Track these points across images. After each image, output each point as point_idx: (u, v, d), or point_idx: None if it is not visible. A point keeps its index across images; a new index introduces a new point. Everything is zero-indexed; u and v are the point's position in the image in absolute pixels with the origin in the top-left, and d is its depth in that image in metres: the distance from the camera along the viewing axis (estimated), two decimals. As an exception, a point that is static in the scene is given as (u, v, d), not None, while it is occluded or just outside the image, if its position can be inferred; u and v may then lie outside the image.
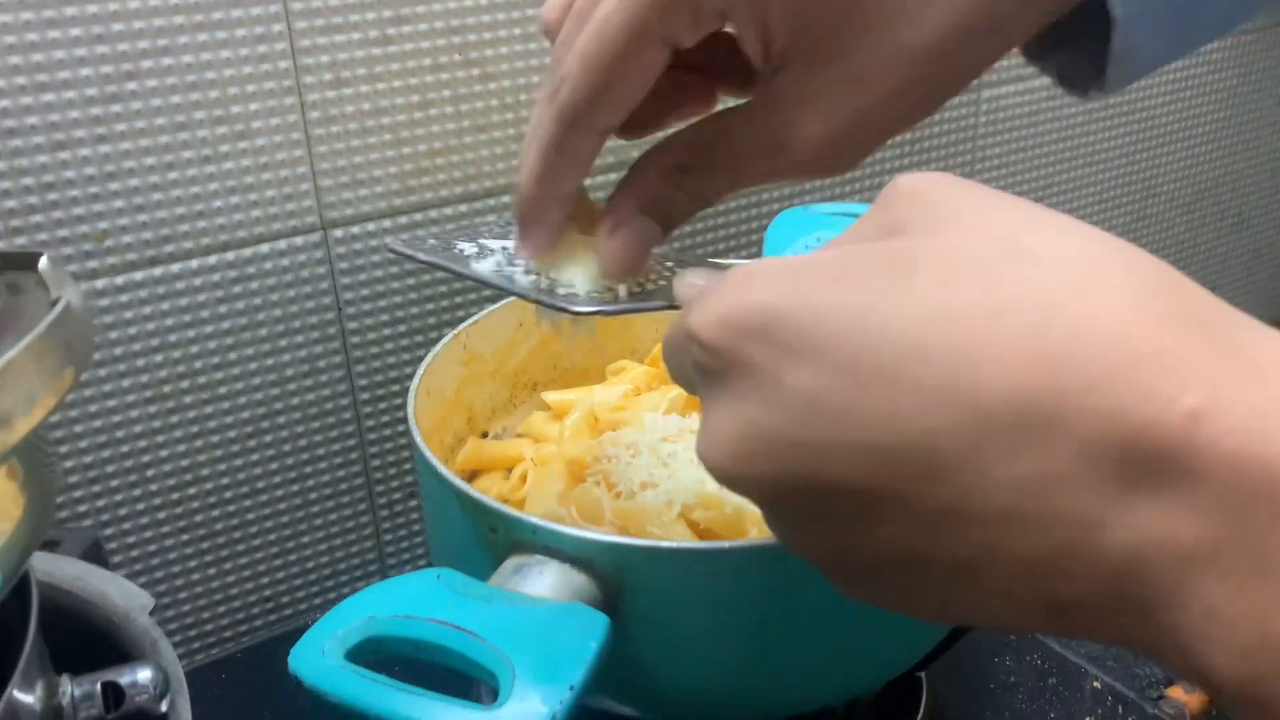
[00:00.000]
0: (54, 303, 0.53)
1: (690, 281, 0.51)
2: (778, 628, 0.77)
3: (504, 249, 0.64)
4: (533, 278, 0.62)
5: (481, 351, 0.99)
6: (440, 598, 0.69)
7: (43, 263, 0.62)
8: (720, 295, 0.39)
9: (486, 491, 1.05)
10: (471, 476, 1.09)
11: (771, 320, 0.37)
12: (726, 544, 0.74)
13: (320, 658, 0.65)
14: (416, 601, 0.69)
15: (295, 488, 1.15)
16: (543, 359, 1.08)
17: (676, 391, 1.07)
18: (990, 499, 0.33)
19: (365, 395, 1.11)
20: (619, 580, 0.73)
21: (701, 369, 0.40)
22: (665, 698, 0.81)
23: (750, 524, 0.89)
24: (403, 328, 1.11)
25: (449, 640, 0.66)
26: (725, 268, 0.50)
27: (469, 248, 0.65)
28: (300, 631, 0.68)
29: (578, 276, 0.60)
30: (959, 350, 0.32)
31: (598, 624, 0.67)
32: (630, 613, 0.74)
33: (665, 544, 0.73)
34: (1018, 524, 0.32)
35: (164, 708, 0.65)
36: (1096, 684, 1.03)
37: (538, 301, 0.61)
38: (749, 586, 0.74)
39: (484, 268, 0.63)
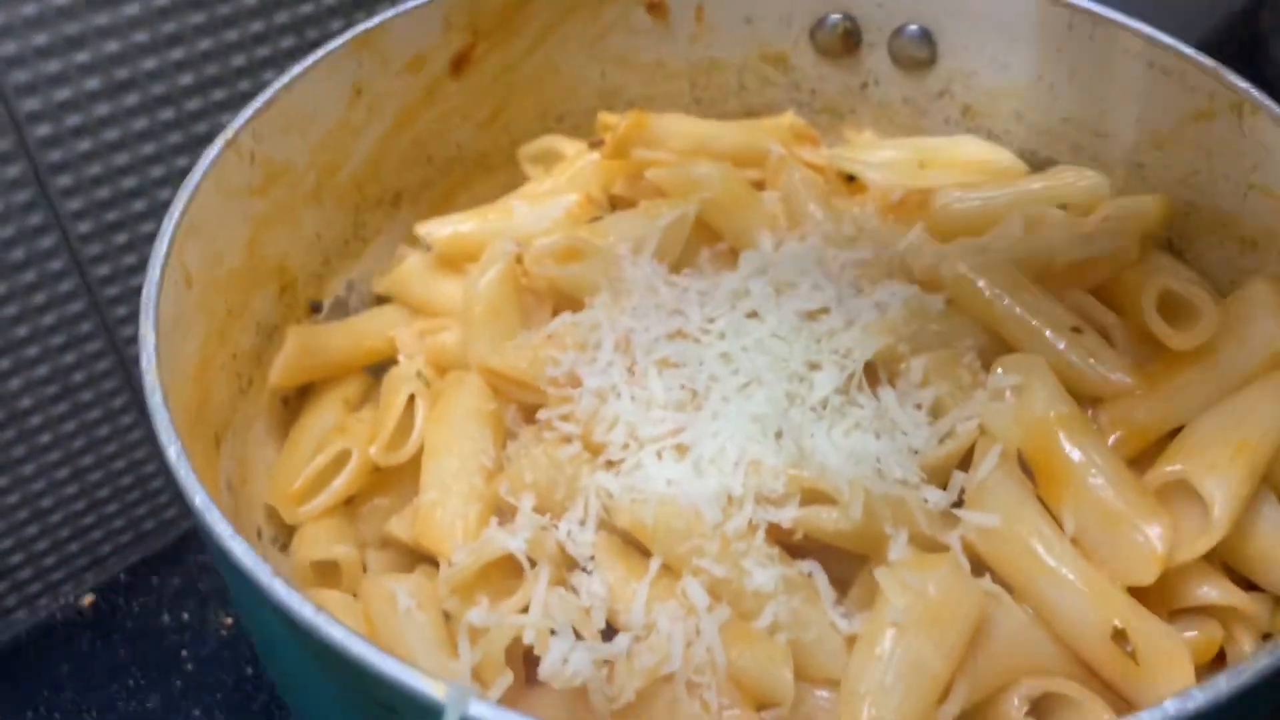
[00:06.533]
0: None
1: None
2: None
3: None
4: None
5: (286, 159, 0.59)
6: None
7: None
8: None
9: (331, 425, 0.57)
10: (303, 395, 0.59)
11: None
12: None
13: None
14: None
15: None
16: (407, 145, 0.66)
17: (674, 212, 0.57)
18: None
19: (110, 291, 0.59)
20: None
21: None
22: None
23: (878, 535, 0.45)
24: (124, 156, 0.58)
25: None
26: None
27: None
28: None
29: None
30: None
31: None
32: None
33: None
34: None
35: None
36: None
37: None
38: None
39: None
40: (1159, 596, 0.45)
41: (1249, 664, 0.35)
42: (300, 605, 0.34)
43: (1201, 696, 0.34)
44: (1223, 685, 0.34)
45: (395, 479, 0.53)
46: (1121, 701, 0.44)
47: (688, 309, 0.52)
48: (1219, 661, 0.48)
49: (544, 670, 0.41)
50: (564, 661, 0.41)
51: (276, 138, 0.56)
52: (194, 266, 0.50)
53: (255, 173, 0.55)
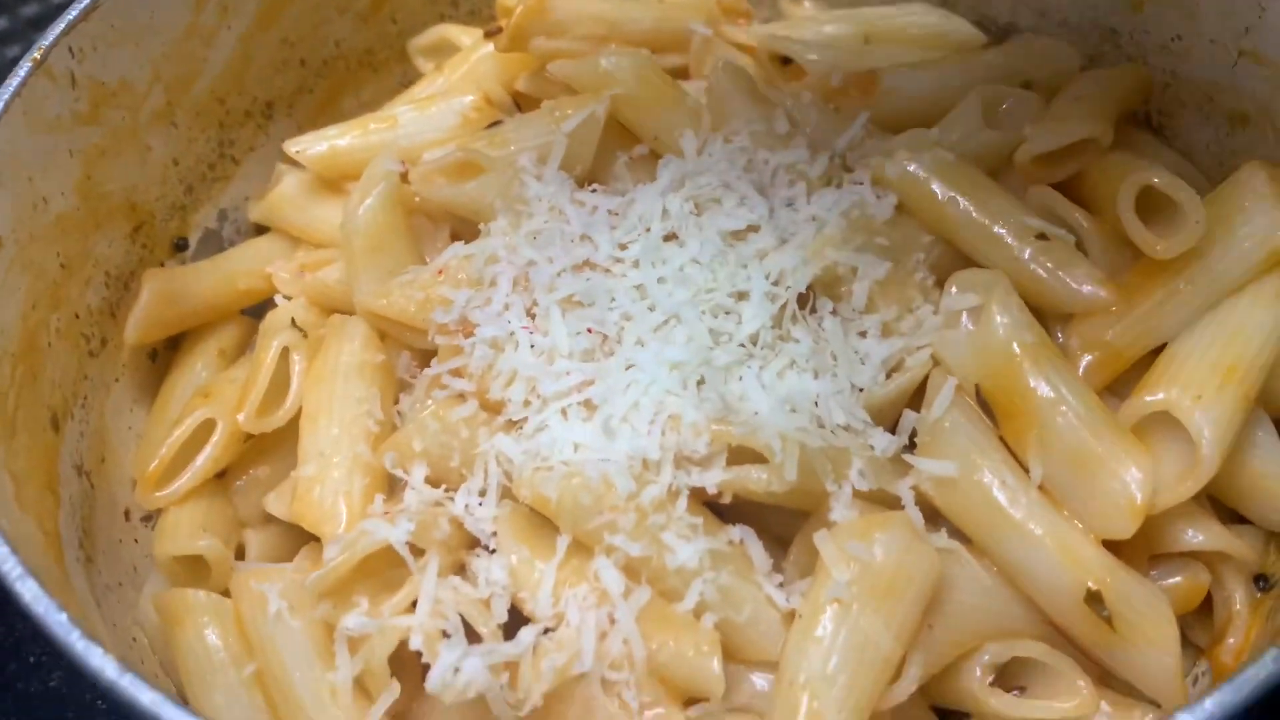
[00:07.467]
0: None
1: None
2: None
3: None
4: None
5: (122, 77, 0.50)
6: None
7: None
8: None
9: (203, 378, 0.51)
10: (175, 345, 0.53)
11: None
12: None
13: None
14: None
15: None
16: (274, 46, 0.58)
17: (581, 114, 0.49)
18: None
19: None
20: None
21: None
22: None
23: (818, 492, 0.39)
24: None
25: None
26: None
27: None
28: None
29: None
30: None
31: None
32: None
33: None
34: None
35: None
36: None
37: None
38: None
39: None
40: (1138, 543, 0.40)
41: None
42: (102, 663, 0.28)
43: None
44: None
45: (274, 445, 0.47)
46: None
47: (596, 234, 0.45)
48: (1206, 606, 0.43)
49: (432, 683, 0.35)
50: (455, 671, 0.35)
51: (105, 53, 0.47)
52: (1, 222, 0.42)
53: (79, 98, 0.46)
